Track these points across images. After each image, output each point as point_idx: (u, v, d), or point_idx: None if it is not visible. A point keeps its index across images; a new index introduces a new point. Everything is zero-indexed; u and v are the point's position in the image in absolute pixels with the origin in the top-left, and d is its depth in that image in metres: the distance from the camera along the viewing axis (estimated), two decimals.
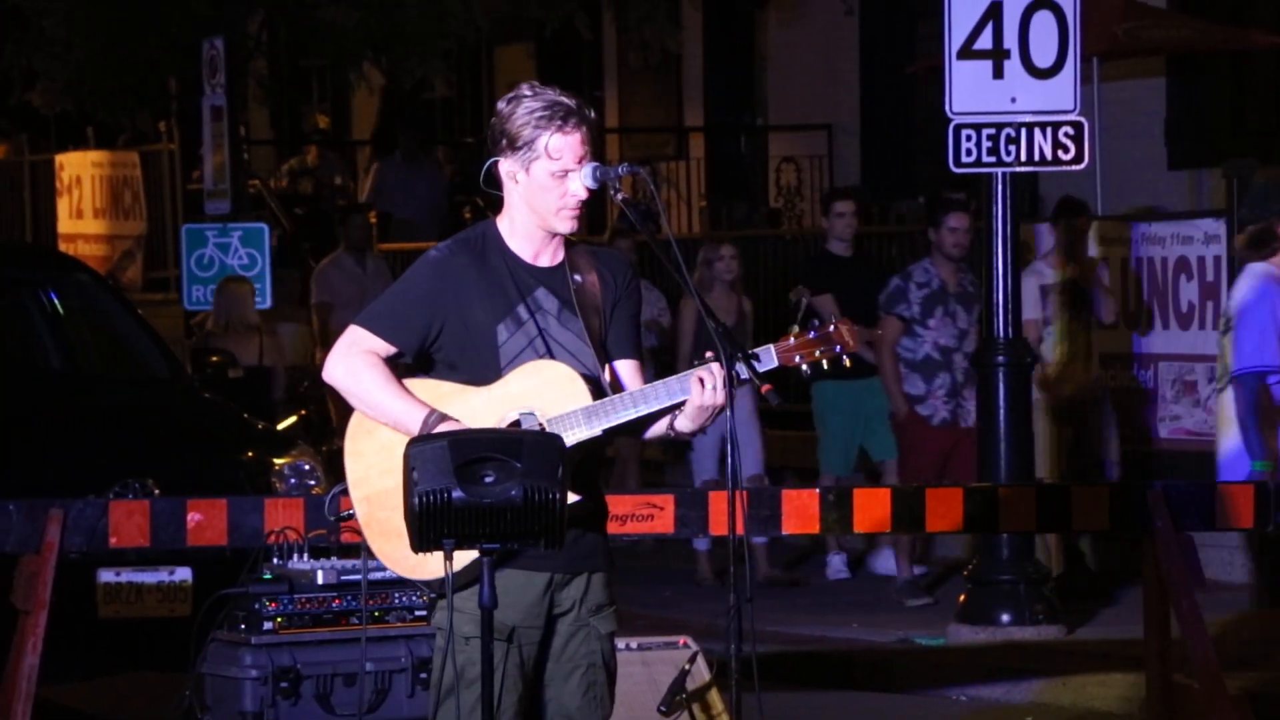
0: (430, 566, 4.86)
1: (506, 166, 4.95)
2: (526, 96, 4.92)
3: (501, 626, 4.85)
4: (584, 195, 4.92)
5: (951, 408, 10.71)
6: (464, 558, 4.81)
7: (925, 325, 10.76)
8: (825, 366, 4.90)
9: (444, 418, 4.87)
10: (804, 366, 4.90)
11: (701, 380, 4.84)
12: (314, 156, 21.79)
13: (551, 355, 4.94)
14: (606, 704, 5.00)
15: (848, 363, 4.92)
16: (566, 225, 4.97)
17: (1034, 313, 10.64)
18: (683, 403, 4.88)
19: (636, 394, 4.90)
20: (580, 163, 4.89)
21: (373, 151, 22.17)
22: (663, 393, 4.88)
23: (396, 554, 4.92)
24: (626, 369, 5.03)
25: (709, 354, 4.91)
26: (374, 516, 4.95)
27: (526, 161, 4.92)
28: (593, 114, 4.94)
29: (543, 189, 4.93)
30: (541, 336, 4.94)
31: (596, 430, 4.86)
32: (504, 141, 4.94)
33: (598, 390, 4.93)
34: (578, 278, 4.99)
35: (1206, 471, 10.14)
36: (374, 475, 4.94)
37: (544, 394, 4.88)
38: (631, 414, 4.87)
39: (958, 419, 10.71)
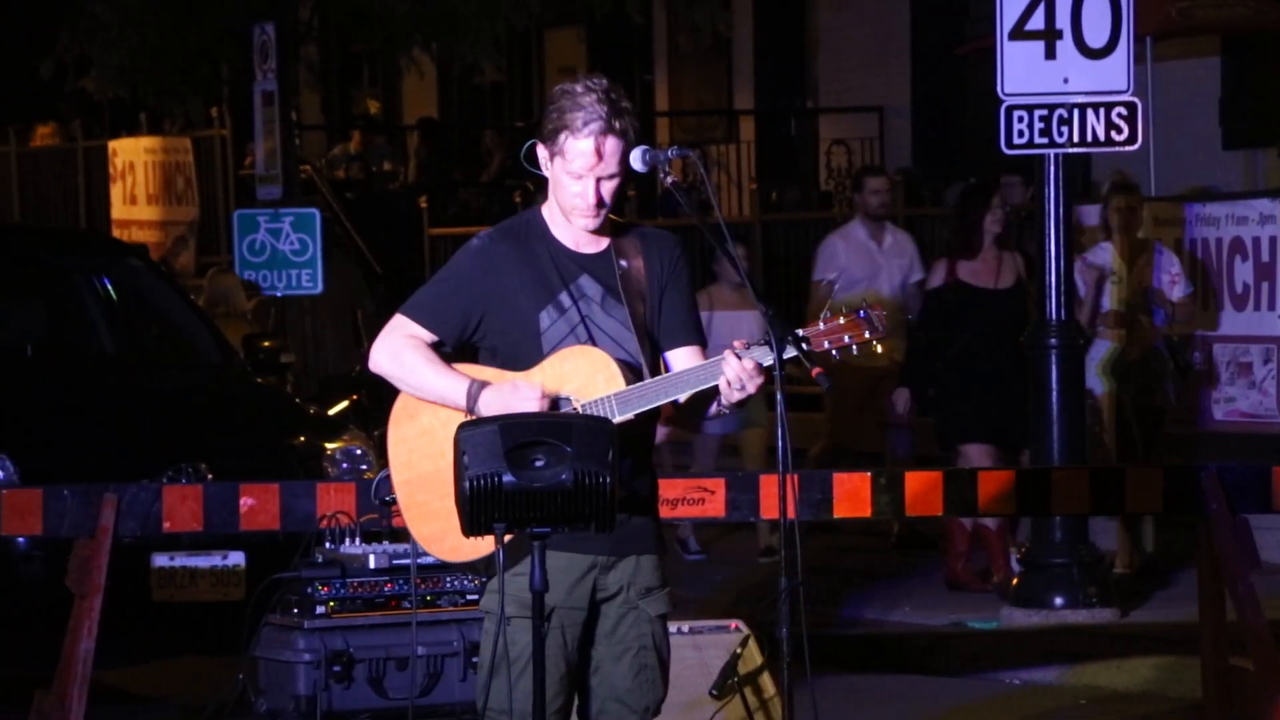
0: (466, 549, 4.88)
1: (541, 152, 4.98)
2: (571, 92, 4.91)
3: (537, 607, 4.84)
4: (593, 200, 4.91)
5: None
6: (508, 537, 4.81)
7: None
8: (855, 352, 4.90)
9: (485, 384, 4.88)
10: (834, 352, 4.89)
11: (733, 364, 4.82)
12: (356, 143, 21.82)
13: (594, 342, 4.94)
14: (659, 687, 5.00)
15: (879, 349, 4.92)
16: (581, 223, 4.96)
17: None
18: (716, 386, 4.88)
19: (669, 380, 4.89)
20: (591, 170, 4.87)
21: (421, 136, 22.21)
22: (693, 379, 4.88)
23: (434, 537, 4.94)
24: (684, 356, 5.01)
25: (736, 344, 4.89)
26: (414, 500, 4.97)
27: (552, 154, 4.94)
28: (626, 126, 4.88)
29: (560, 184, 4.95)
30: (584, 324, 4.94)
31: (629, 415, 4.86)
32: (543, 128, 4.96)
33: (636, 376, 4.92)
34: (623, 263, 4.98)
35: (1261, 453, 10.08)
36: (415, 459, 4.96)
37: (579, 379, 4.88)
38: (662, 400, 4.86)
39: None
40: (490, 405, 4.86)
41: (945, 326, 10.46)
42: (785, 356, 4.85)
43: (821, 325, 4.89)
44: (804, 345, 4.88)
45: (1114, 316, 10.70)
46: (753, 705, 6.78)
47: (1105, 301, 10.67)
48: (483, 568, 4.95)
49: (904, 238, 12.03)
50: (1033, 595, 9.90)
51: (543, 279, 4.95)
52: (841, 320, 4.89)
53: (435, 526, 4.92)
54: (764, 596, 7.72)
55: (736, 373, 4.84)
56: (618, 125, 4.87)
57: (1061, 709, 8.64)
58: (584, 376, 4.88)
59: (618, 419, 4.86)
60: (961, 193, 10.96)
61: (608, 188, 4.91)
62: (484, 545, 4.86)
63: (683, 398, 4.90)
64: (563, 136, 4.88)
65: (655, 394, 4.88)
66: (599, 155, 4.87)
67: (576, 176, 4.90)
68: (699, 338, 5.06)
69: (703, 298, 11.37)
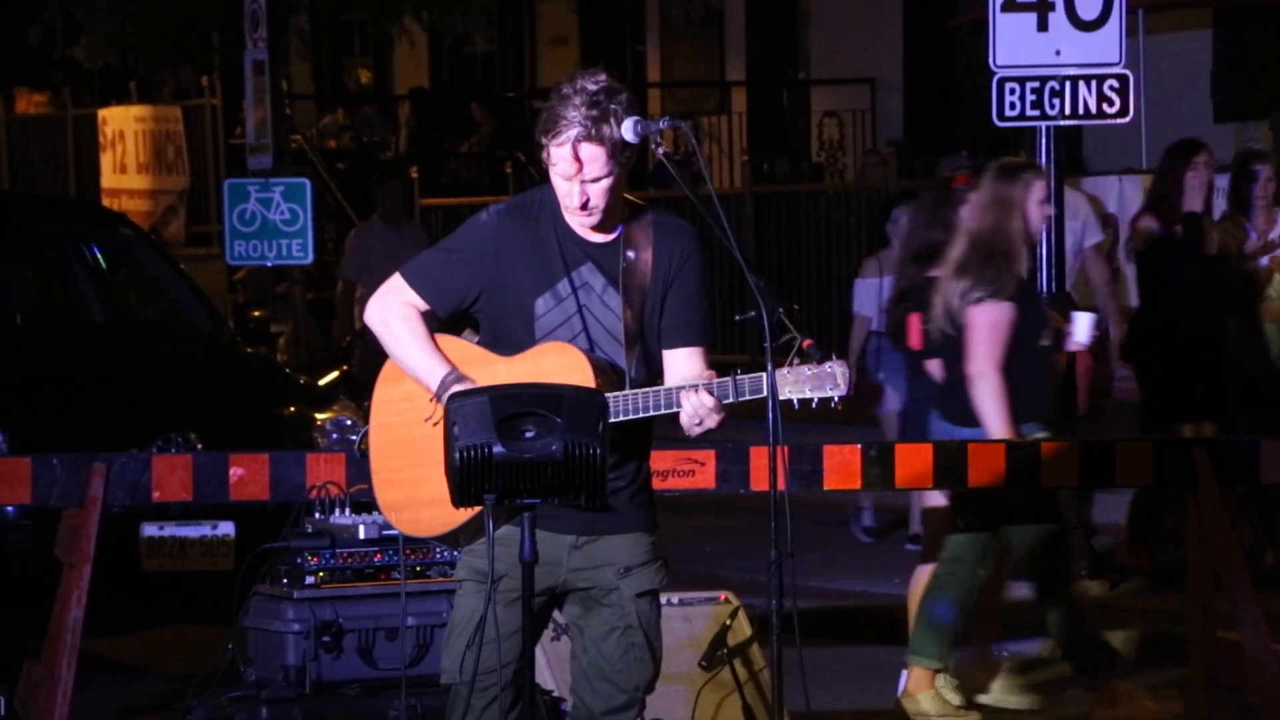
0: (424, 524, 4.90)
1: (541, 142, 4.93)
2: (561, 93, 4.85)
3: (485, 573, 4.84)
4: (577, 202, 4.85)
5: None
6: (470, 512, 4.80)
7: None
8: (814, 405, 4.83)
9: (461, 378, 4.87)
10: (794, 400, 4.83)
11: (691, 399, 4.79)
12: (341, 115, 21.79)
13: (588, 333, 4.91)
14: (648, 666, 4.98)
15: (838, 406, 4.83)
16: (575, 220, 4.91)
17: None
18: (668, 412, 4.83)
19: (635, 397, 4.82)
20: (574, 176, 4.83)
21: (412, 107, 22.17)
22: (652, 403, 4.83)
23: (396, 505, 4.95)
24: (681, 358, 4.94)
25: (703, 376, 4.82)
26: (385, 464, 4.97)
27: (544, 153, 4.90)
28: (611, 131, 4.79)
29: (553, 182, 4.91)
30: (580, 314, 4.90)
31: None
32: (537, 124, 4.93)
33: (617, 375, 4.88)
34: (630, 255, 4.92)
35: None
36: (395, 424, 4.96)
37: (554, 377, 4.83)
38: (622, 418, 4.81)
39: None
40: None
41: (1166, 290, 9.66)
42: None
43: (787, 371, 4.79)
44: (795, 315, 4.85)
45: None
46: (742, 677, 6.79)
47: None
48: (443, 540, 4.97)
49: (1075, 198, 10.86)
50: (1022, 567, 9.90)
51: (545, 264, 4.91)
52: (807, 371, 4.78)
53: (400, 495, 4.93)
54: (756, 568, 7.73)
55: (695, 408, 4.78)
56: (597, 131, 4.79)
57: (1049, 681, 8.66)
58: (559, 375, 4.83)
59: None
60: (1166, 151, 10.11)
61: (595, 190, 4.85)
62: (441, 523, 4.86)
63: (633, 419, 4.82)
64: (547, 139, 4.84)
65: (618, 409, 4.82)
66: (578, 162, 4.81)
67: (563, 178, 4.87)
68: (699, 339, 4.97)
69: (872, 263, 10.96)
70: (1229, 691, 6.71)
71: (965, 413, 7.37)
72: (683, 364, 4.94)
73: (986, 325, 7.28)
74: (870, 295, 10.81)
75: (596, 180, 4.84)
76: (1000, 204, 7.44)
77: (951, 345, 7.41)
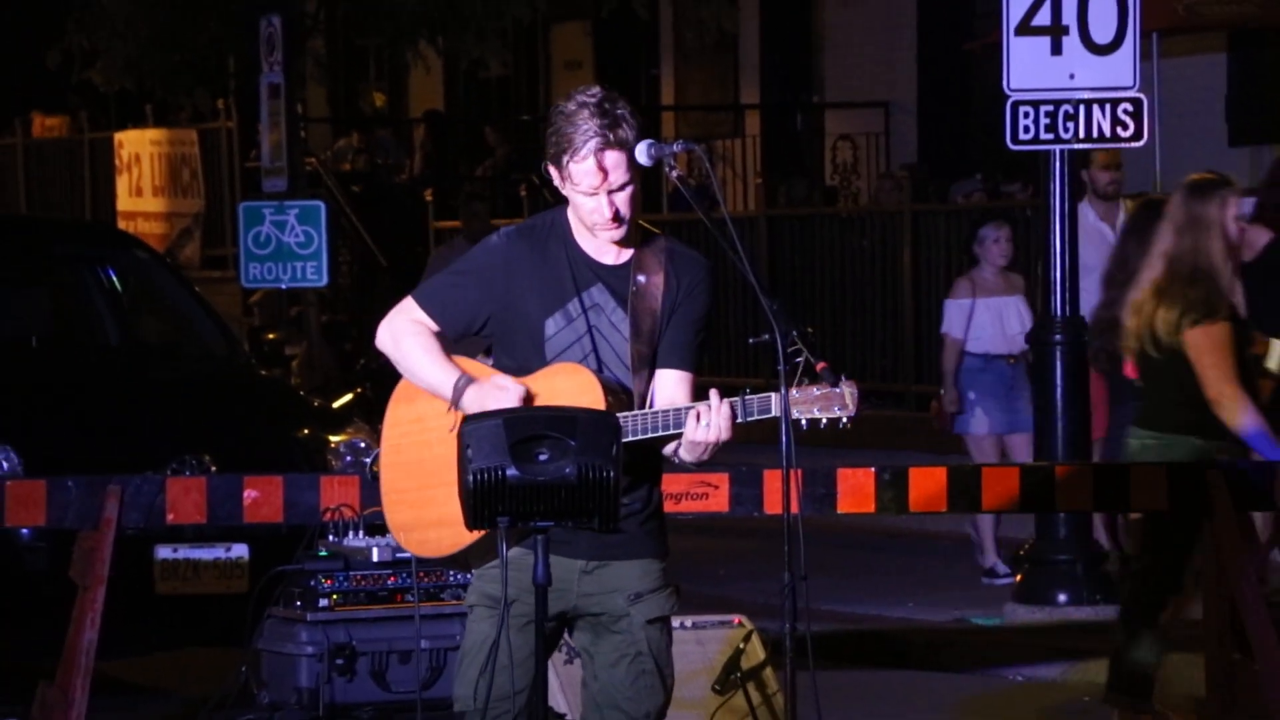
0: (432, 545, 4.90)
1: (553, 173, 4.93)
2: (566, 112, 4.85)
3: (496, 598, 4.83)
4: (608, 214, 4.86)
5: None
6: (479, 532, 4.80)
7: None
8: (822, 426, 4.80)
9: (473, 381, 4.87)
10: (802, 421, 4.81)
11: (698, 415, 4.79)
12: (356, 139, 21.84)
13: (598, 354, 4.91)
14: (659, 693, 4.96)
15: (847, 425, 4.80)
16: (604, 236, 4.92)
17: None
18: (680, 433, 4.82)
19: (637, 418, 4.83)
20: (599, 187, 4.83)
21: (427, 131, 22.22)
22: (659, 423, 4.83)
23: (406, 526, 4.95)
24: (667, 380, 4.94)
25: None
26: (395, 485, 4.97)
27: (561, 177, 4.90)
28: (625, 134, 4.82)
29: (576, 203, 4.92)
30: (590, 334, 4.91)
31: None
32: (547, 151, 4.93)
33: (625, 398, 4.89)
34: (641, 278, 4.92)
35: None
36: (405, 444, 4.97)
37: (566, 398, 4.83)
38: (631, 438, 4.80)
39: None
40: (471, 403, 4.84)
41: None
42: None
43: (795, 392, 4.78)
44: (809, 338, 4.84)
45: None
46: (755, 701, 6.78)
47: None
48: (447, 562, 4.96)
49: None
50: (1036, 592, 9.90)
51: (555, 284, 4.92)
52: (815, 391, 4.78)
53: (410, 516, 4.93)
54: (768, 591, 7.71)
55: (711, 412, 4.76)
56: (615, 136, 4.81)
57: (1064, 705, 8.64)
58: (570, 396, 4.83)
59: None
60: (1276, 162, 9.76)
61: (621, 199, 4.86)
62: (449, 543, 4.86)
63: (641, 439, 4.82)
64: (565, 160, 4.84)
65: (630, 429, 4.81)
66: (603, 172, 4.82)
67: (588, 195, 4.87)
68: (688, 364, 4.97)
69: (964, 284, 10.80)
70: (1247, 717, 6.69)
71: (1161, 419, 7.19)
72: (670, 387, 4.93)
73: (1211, 347, 7.07)
74: (961, 316, 10.65)
75: (622, 188, 4.85)
76: (1197, 224, 7.21)
77: (1151, 365, 7.19)
